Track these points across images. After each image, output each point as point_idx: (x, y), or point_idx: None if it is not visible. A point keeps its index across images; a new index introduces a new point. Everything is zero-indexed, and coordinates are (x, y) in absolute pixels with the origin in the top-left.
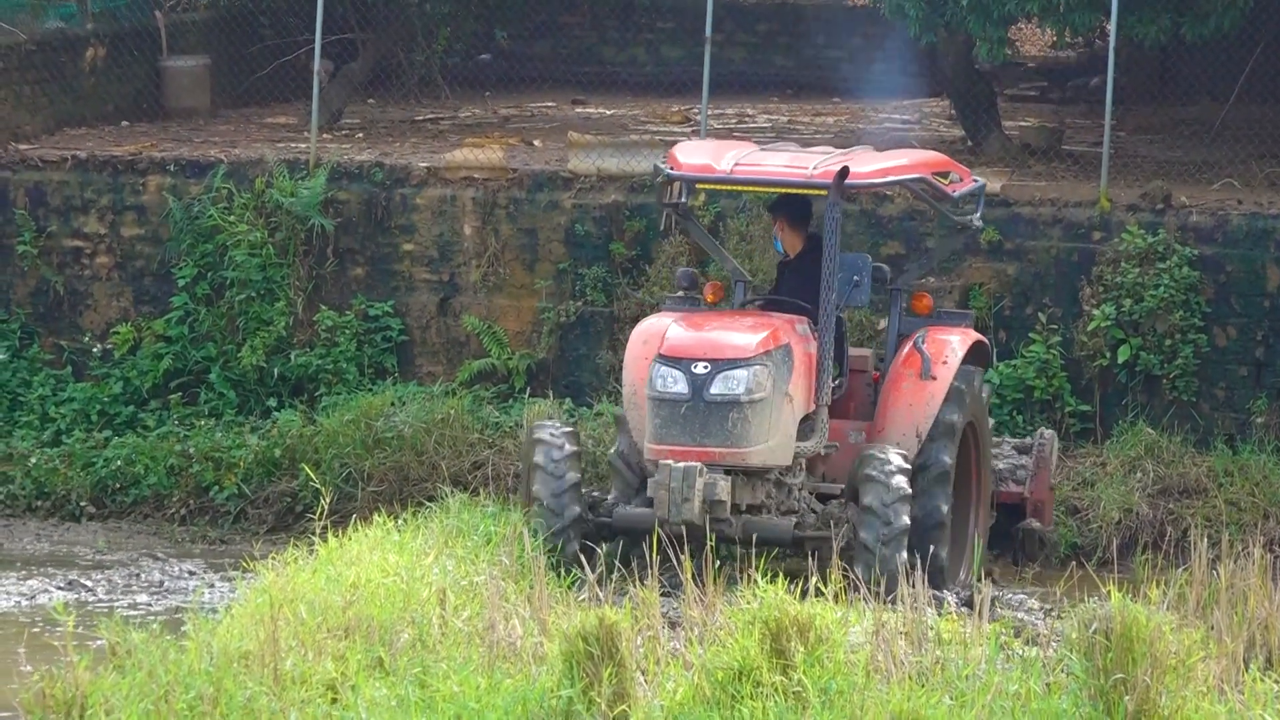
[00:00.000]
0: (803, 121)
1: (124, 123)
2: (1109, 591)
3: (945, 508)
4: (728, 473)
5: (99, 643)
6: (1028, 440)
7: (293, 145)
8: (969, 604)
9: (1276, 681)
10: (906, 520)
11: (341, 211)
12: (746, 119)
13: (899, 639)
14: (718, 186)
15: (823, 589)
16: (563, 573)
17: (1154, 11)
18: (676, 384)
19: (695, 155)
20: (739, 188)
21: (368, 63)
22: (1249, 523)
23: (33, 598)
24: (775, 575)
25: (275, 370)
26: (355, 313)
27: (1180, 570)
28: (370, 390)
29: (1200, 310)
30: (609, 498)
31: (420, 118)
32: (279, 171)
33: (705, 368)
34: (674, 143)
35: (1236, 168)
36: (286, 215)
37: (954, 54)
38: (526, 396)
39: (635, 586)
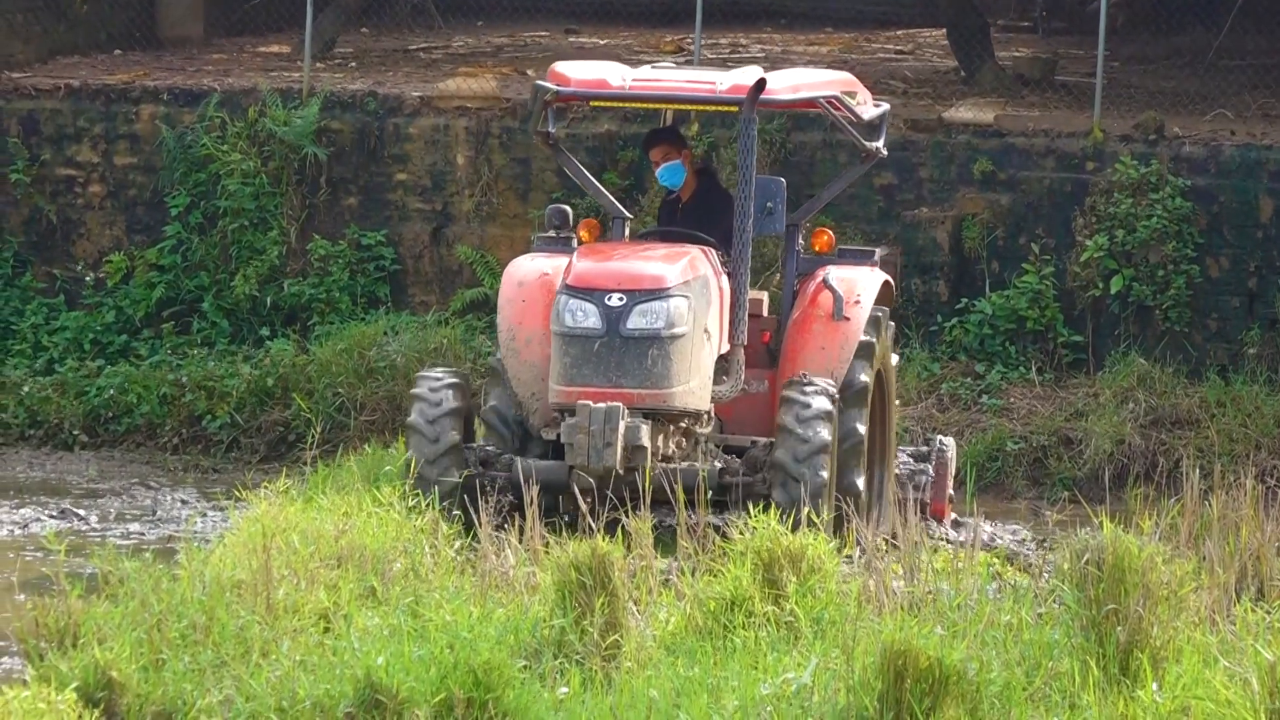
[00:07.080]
0: (796, 51)
1: (117, 51)
2: (1101, 522)
3: (863, 428)
4: (646, 416)
5: (91, 571)
6: (924, 448)
7: (286, 74)
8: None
9: (1268, 612)
10: (826, 436)
11: (335, 141)
12: (740, 49)
13: (891, 569)
14: (615, 104)
15: (815, 519)
16: (438, 507)
17: None
18: (588, 318)
19: (584, 72)
20: (640, 104)
21: None
22: (1241, 453)
23: (25, 526)
24: (766, 507)
25: (268, 299)
26: (348, 242)
27: (1172, 501)
28: (363, 320)
29: (1193, 241)
30: (497, 450)
31: (413, 47)
32: (272, 100)
33: (621, 299)
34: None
35: (1229, 99)
36: (280, 144)
37: None
38: None
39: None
